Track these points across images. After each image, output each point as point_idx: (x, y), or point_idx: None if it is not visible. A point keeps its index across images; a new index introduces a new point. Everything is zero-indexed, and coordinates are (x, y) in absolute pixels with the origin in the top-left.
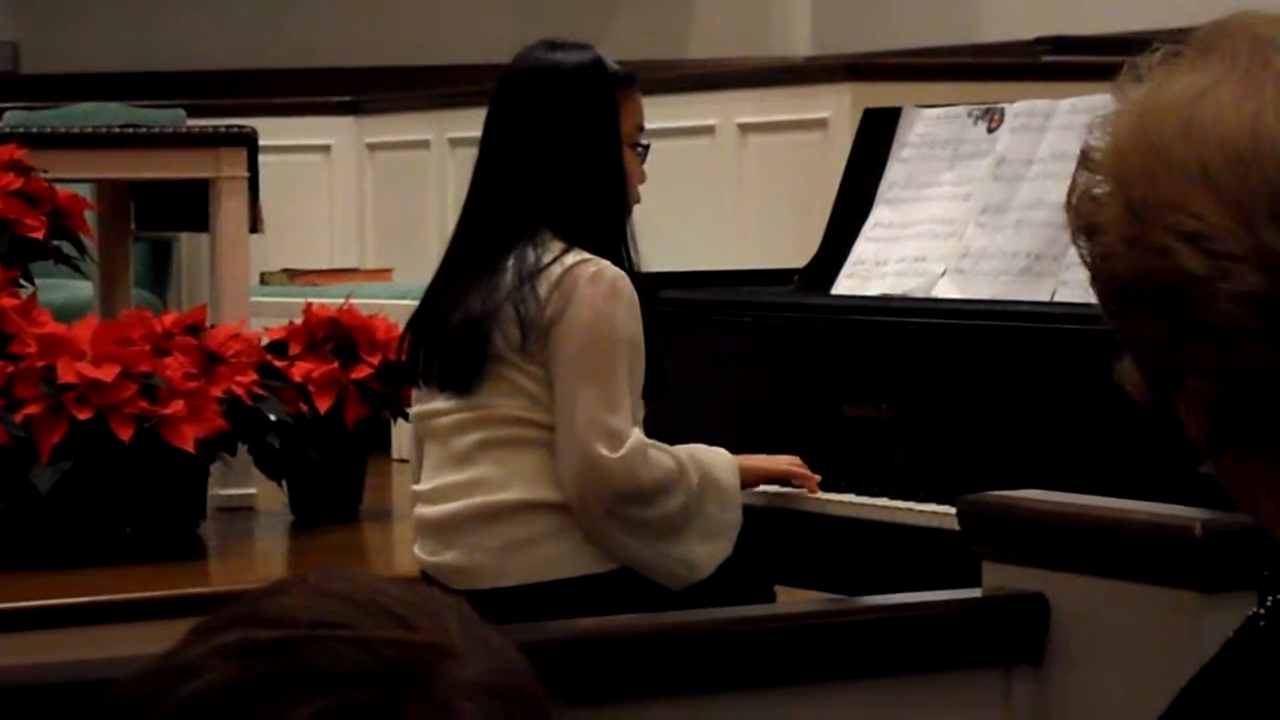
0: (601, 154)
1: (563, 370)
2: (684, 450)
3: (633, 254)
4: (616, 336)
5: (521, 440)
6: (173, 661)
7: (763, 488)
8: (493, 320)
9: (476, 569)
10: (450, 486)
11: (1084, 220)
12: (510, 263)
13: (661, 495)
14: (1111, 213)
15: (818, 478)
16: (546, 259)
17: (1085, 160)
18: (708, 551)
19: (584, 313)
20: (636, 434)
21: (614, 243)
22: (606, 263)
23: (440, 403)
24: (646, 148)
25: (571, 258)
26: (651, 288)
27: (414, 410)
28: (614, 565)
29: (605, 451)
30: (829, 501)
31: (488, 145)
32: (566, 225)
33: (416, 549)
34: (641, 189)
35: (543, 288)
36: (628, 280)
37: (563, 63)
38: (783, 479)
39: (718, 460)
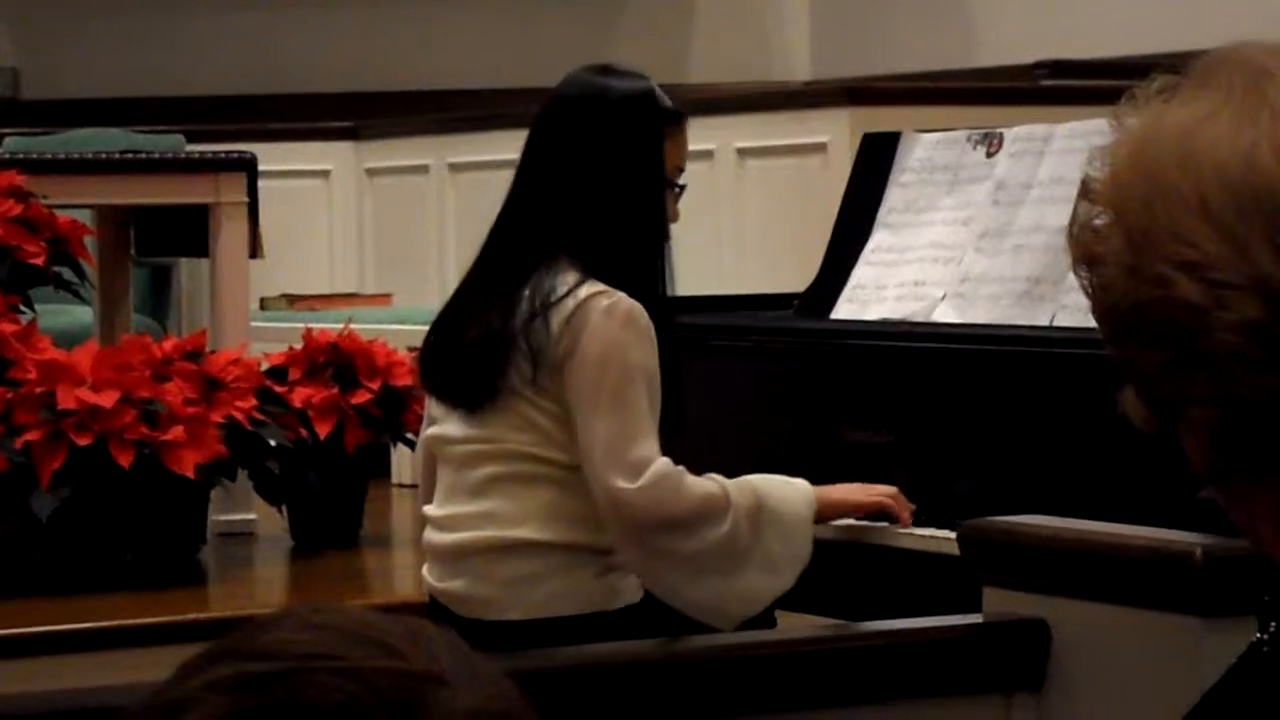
0: (641, 190)
1: (579, 406)
2: (741, 479)
3: (666, 287)
4: (629, 364)
5: (534, 477)
6: (165, 697)
7: (842, 522)
8: (507, 349)
9: (483, 599)
10: (462, 516)
11: (1084, 250)
12: (527, 290)
13: (702, 524)
14: (1111, 243)
15: (911, 507)
16: (561, 290)
17: (1085, 191)
18: (765, 585)
19: (596, 346)
20: (661, 462)
21: (644, 276)
22: (621, 294)
23: (454, 429)
24: (683, 188)
25: (585, 290)
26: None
27: (428, 432)
28: (621, 604)
29: (623, 484)
30: (828, 526)
31: (526, 165)
32: (590, 255)
33: (425, 571)
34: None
35: (555, 321)
36: (644, 311)
37: (613, 90)
38: (874, 513)
39: (784, 490)
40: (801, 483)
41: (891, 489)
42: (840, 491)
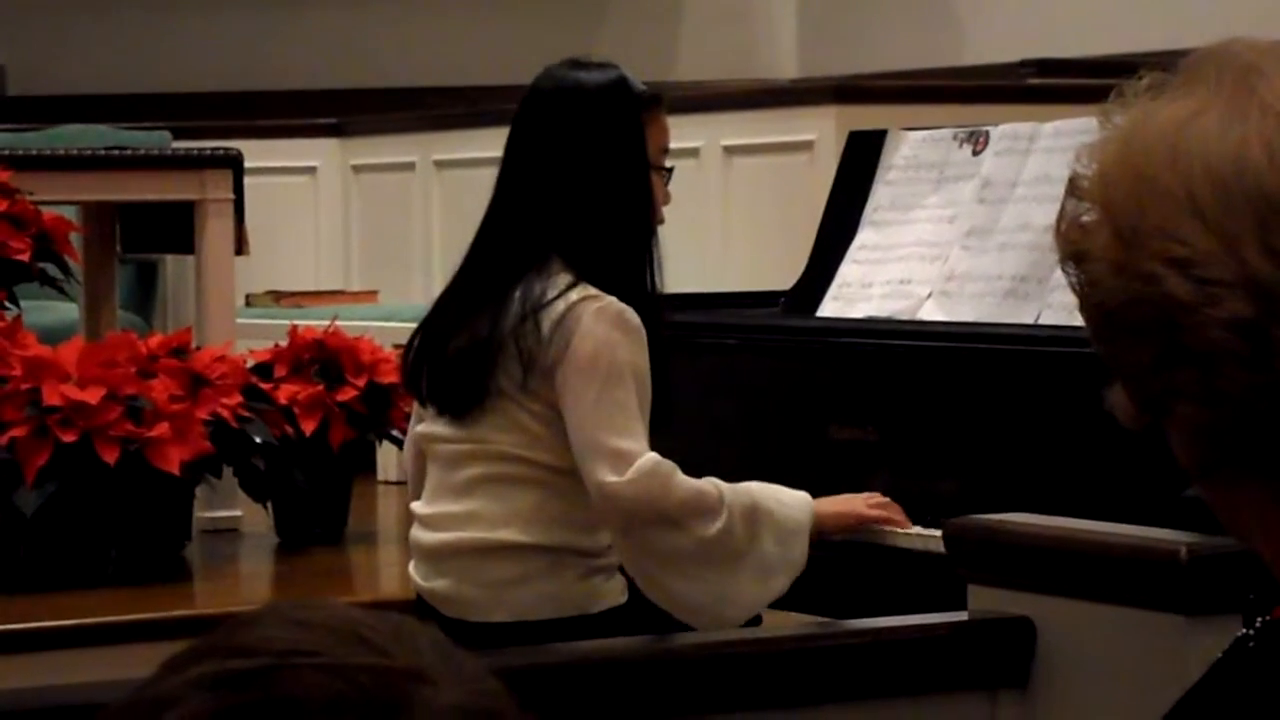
0: (626, 178)
1: (569, 406)
2: (739, 484)
3: (657, 278)
4: (619, 363)
5: (519, 478)
6: (147, 694)
7: None
8: (496, 353)
9: (468, 601)
10: (447, 516)
11: (1073, 247)
12: (518, 293)
13: (691, 520)
14: (1099, 240)
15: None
16: (551, 293)
17: (1073, 188)
18: (759, 589)
19: (586, 347)
20: (649, 457)
21: (634, 269)
22: (612, 298)
23: (442, 428)
24: (671, 170)
25: (576, 294)
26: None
27: (417, 429)
28: (605, 607)
29: (609, 477)
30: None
31: (507, 166)
32: (580, 254)
33: (412, 569)
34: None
35: (546, 325)
36: (634, 314)
37: (586, 82)
38: (875, 524)
39: (782, 495)
40: (801, 492)
41: (879, 497)
42: (840, 503)
